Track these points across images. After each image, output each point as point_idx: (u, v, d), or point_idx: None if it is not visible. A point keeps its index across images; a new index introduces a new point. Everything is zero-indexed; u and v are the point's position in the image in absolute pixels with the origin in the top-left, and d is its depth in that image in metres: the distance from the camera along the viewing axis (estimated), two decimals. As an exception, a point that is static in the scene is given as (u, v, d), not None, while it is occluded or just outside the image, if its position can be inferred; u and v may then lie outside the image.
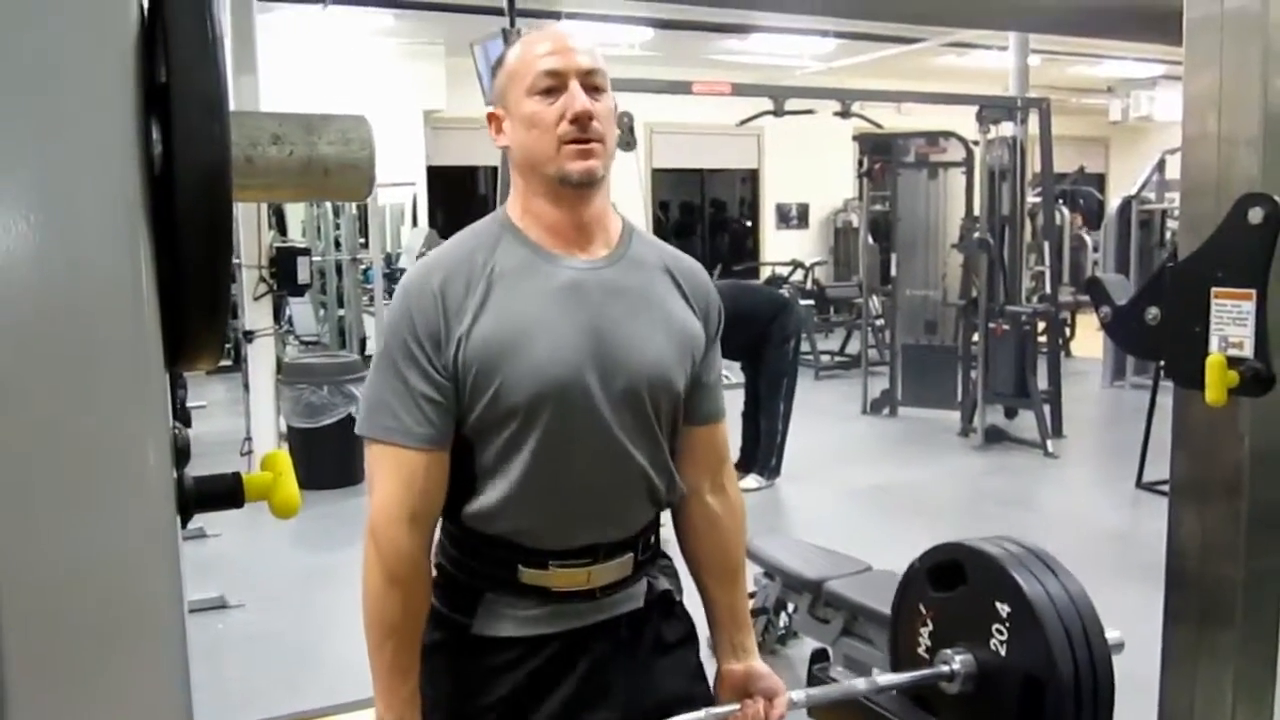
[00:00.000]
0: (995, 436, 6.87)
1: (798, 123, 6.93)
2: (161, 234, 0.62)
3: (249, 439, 5.79)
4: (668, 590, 1.53)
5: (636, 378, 1.39)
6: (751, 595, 3.25)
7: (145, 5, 0.64)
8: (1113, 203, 10.09)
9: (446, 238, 1.52)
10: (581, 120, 1.34)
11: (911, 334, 7.75)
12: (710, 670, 1.56)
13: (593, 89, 1.37)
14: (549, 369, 1.34)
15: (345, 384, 5.74)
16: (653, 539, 1.51)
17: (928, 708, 1.61)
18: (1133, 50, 10.88)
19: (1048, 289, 7.73)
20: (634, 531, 1.46)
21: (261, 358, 5.85)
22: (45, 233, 0.56)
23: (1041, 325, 7.42)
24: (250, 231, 5.69)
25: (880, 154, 8.68)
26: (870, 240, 9.05)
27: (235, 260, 5.49)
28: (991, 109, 7.15)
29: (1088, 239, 10.93)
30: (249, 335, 5.79)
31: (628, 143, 4.87)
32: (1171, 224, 8.44)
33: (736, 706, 1.46)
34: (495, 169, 7.32)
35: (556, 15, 7.86)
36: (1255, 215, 1.51)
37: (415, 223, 10.13)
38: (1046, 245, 8.16)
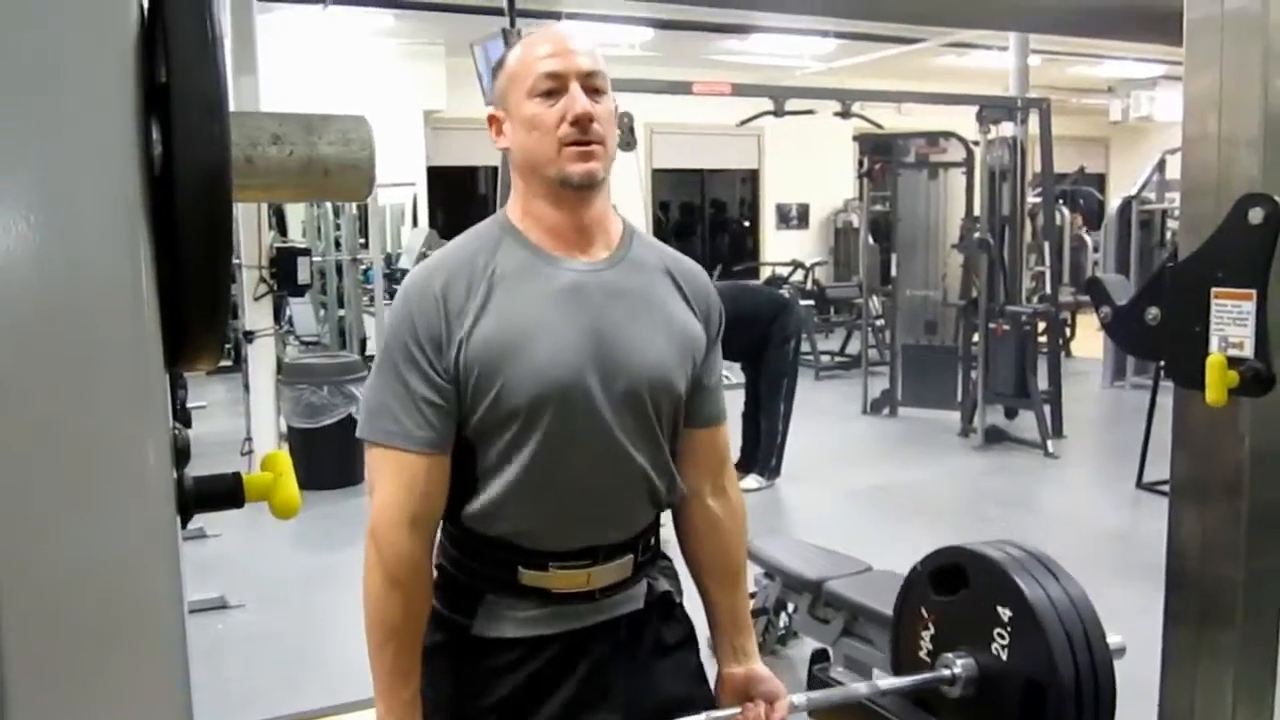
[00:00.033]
0: (995, 437, 6.87)
1: (798, 123, 6.92)
2: (161, 234, 0.62)
3: (249, 439, 5.79)
4: (668, 591, 1.53)
5: (637, 379, 1.39)
6: (752, 595, 3.25)
7: (145, 5, 0.64)
8: (1113, 203, 10.09)
9: (447, 238, 1.53)
10: (582, 122, 1.34)
11: (912, 334, 7.75)
12: (710, 672, 1.56)
13: (593, 91, 1.37)
14: (550, 371, 1.34)
15: (345, 384, 5.74)
16: (653, 540, 1.51)
17: (929, 711, 1.61)
18: (1133, 50, 10.88)
19: (1048, 289, 7.74)
20: (634, 533, 1.46)
21: (262, 358, 5.85)
22: (45, 233, 0.56)
23: (1042, 325, 7.42)
24: (250, 232, 5.69)
25: (880, 154, 8.68)
26: (870, 240, 9.06)
27: (235, 260, 5.49)
28: (992, 109, 7.15)
29: (1088, 239, 10.93)
30: (249, 335, 5.79)
31: (628, 143, 4.87)
32: (1172, 224, 8.43)
33: (737, 710, 1.46)
34: (495, 169, 7.33)
35: (556, 15, 7.85)
36: (1255, 215, 1.51)
37: (415, 223, 10.13)
38: (1047, 245, 8.16)
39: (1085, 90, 13.41)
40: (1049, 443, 6.59)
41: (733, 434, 1.67)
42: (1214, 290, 1.57)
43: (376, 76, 9.53)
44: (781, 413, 5.79)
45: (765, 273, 11.98)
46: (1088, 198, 12.66)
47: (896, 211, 8.08)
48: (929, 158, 8.09)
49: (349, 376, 5.81)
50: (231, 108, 0.64)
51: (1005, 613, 1.50)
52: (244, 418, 5.92)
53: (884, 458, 6.75)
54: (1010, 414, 7.16)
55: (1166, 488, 1.87)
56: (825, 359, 10.02)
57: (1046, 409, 6.81)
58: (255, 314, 5.79)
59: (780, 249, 13.02)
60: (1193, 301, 1.59)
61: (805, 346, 7.74)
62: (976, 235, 7.03)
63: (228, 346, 6.85)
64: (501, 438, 1.36)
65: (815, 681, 1.92)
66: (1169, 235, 8.49)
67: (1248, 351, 1.54)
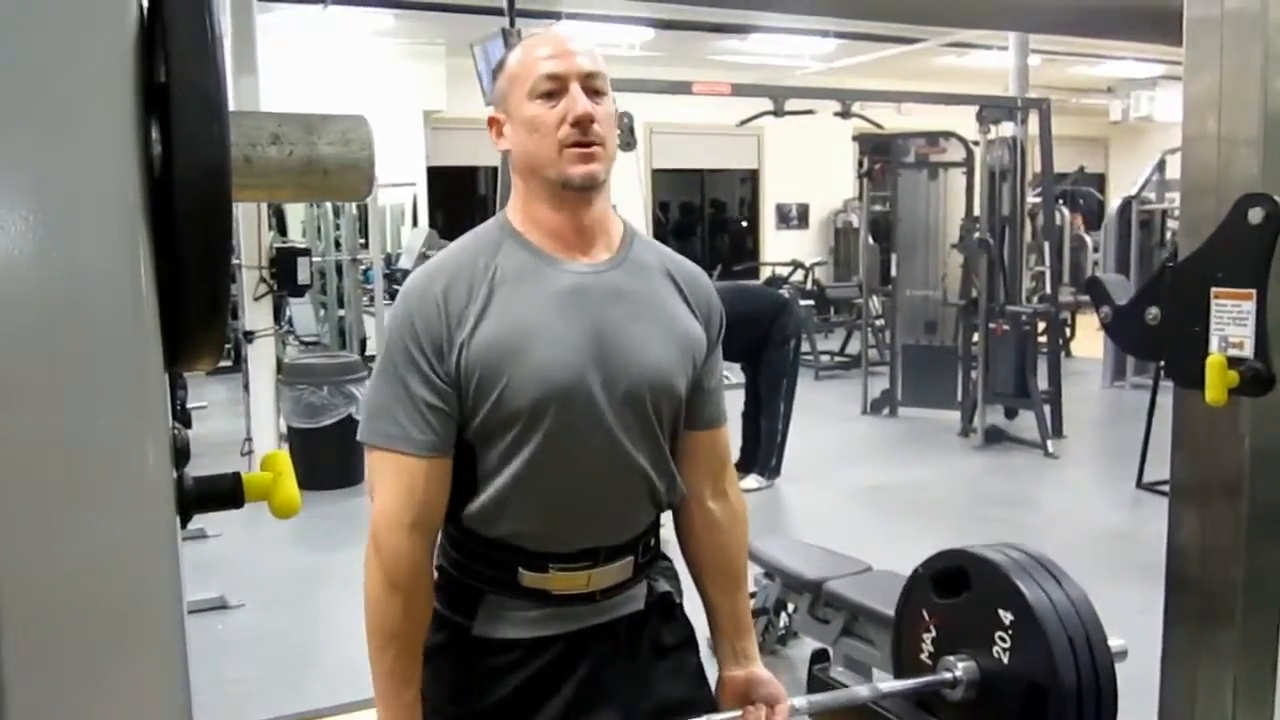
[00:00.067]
0: (995, 437, 6.87)
1: (798, 123, 6.93)
2: (161, 234, 0.62)
3: (249, 439, 5.79)
4: (668, 592, 1.53)
5: (638, 381, 1.38)
6: (751, 595, 3.25)
7: (144, 4, 0.64)
8: (1113, 203, 10.10)
9: (446, 238, 1.53)
10: (583, 123, 1.34)
11: (911, 334, 7.75)
12: (711, 674, 1.56)
13: (593, 92, 1.36)
14: (552, 372, 1.34)
15: (345, 384, 5.74)
16: (653, 541, 1.51)
17: (930, 713, 1.61)
18: (1133, 50, 10.89)
19: (1048, 289, 7.74)
20: (635, 534, 1.46)
21: (261, 358, 5.86)
22: (44, 232, 0.56)
23: (1041, 325, 7.42)
24: (250, 232, 5.70)
25: (880, 154, 8.68)
26: (870, 240, 9.06)
27: (235, 261, 5.50)
28: (991, 109, 7.15)
29: (1088, 239, 10.93)
30: (249, 336, 5.79)
31: (627, 143, 4.87)
32: (1171, 224, 8.44)
33: (738, 713, 1.46)
34: (495, 169, 7.33)
35: (556, 15, 7.86)
36: (1255, 215, 1.51)
37: (415, 223, 10.13)
38: (1046, 245, 8.16)
39: (1085, 90, 13.41)
40: (1049, 443, 6.59)
41: (733, 434, 1.67)
42: (1214, 290, 1.57)
43: (376, 76, 9.53)
44: (781, 412, 5.80)
45: (765, 273, 11.98)
46: (1087, 198, 12.66)
47: (896, 211, 8.08)
48: (929, 158, 8.09)
49: (349, 377, 5.81)
50: (231, 107, 0.64)
51: (1007, 616, 1.49)
52: (244, 418, 5.92)
53: (884, 458, 6.75)
54: (1010, 414, 7.17)
55: (1166, 488, 1.87)
56: (825, 359, 10.02)
57: (1046, 409, 6.81)
58: (255, 314, 5.80)
59: (780, 249, 13.03)
60: (1193, 301, 1.59)
61: (805, 346, 7.74)
62: (976, 235, 7.03)
63: (227, 347, 6.85)
64: (503, 440, 1.36)
65: (815, 682, 1.92)
66: (1169, 235, 8.49)
67: (1247, 351, 1.54)
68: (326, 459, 5.50)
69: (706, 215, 14.21)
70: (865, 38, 10.36)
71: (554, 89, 1.35)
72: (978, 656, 1.54)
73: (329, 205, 8.19)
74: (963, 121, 7.57)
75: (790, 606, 3.46)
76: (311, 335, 8.43)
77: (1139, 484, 5.60)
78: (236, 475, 0.73)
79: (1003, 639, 1.50)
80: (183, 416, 3.19)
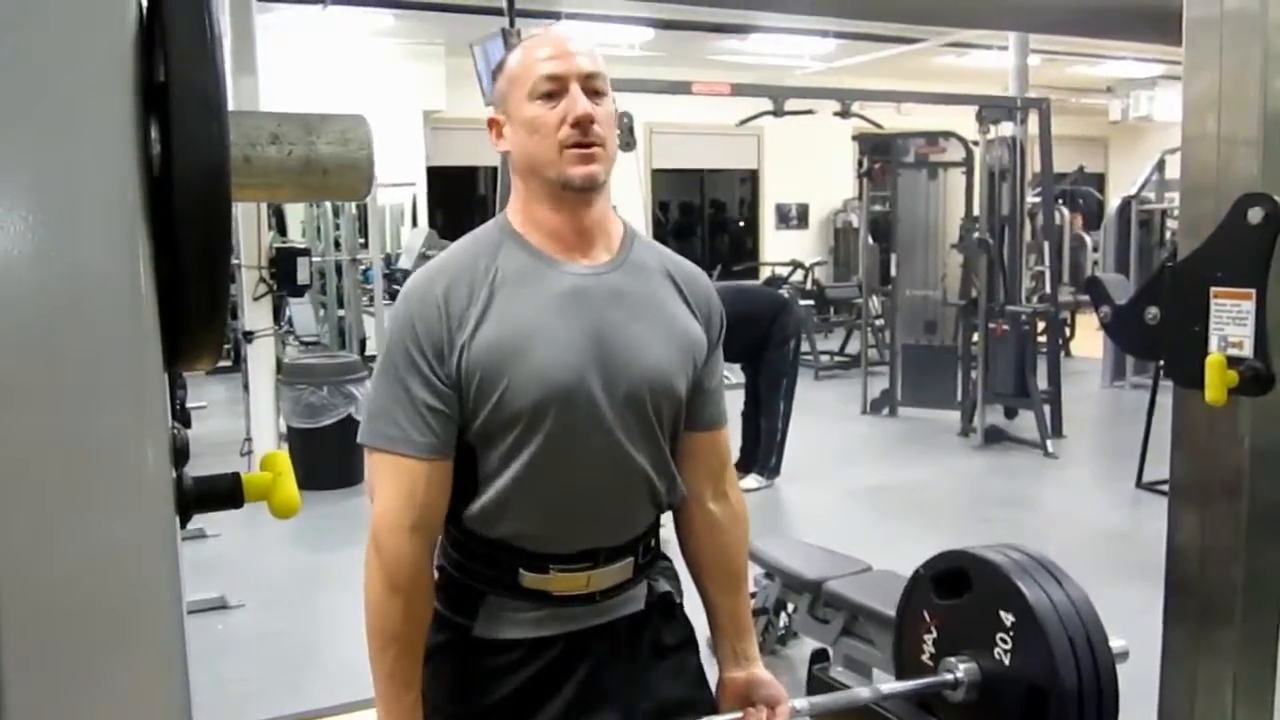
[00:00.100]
0: (995, 436, 6.87)
1: (797, 123, 6.93)
2: (160, 233, 0.62)
3: (249, 439, 5.79)
4: (668, 592, 1.53)
5: (639, 382, 1.38)
6: (751, 595, 3.25)
7: (144, 4, 0.64)
8: (1112, 203, 10.10)
9: (446, 238, 1.52)
10: (583, 124, 1.34)
11: (911, 334, 7.75)
12: (711, 674, 1.56)
13: (593, 93, 1.36)
14: (553, 373, 1.33)
15: (345, 384, 5.74)
16: (653, 542, 1.51)
17: (932, 714, 1.61)
18: (1132, 50, 10.89)
19: (1047, 289, 7.74)
20: (635, 535, 1.45)
21: (261, 358, 5.86)
22: (43, 232, 0.56)
23: (1041, 325, 7.42)
24: (250, 232, 5.70)
25: (880, 154, 8.69)
26: (870, 240, 9.06)
27: (235, 260, 5.50)
28: (991, 109, 7.15)
29: (1087, 239, 10.93)
30: (249, 336, 5.79)
31: (627, 143, 4.87)
32: (1171, 224, 8.44)
33: (739, 715, 1.46)
34: (495, 169, 7.33)
35: (556, 15, 7.86)
36: (1255, 215, 1.51)
37: (415, 223, 10.13)
38: (1046, 245, 8.16)
39: (1085, 90, 13.41)
40: (1049, 442, 6.59)
41: (733, 434, 1.66)
42: (1213, 290, 1.57)
43: (376, 76, 9.53)
44: (781, 412, 5.80)
45: (765, 273, 11.98)
46: (1087, 197, 12.66)
47: (896, 211, 8.08)
48: (928, 157, 8.10)
49: (348, 377, 5.81)
50: (231, 107, 0.64)
51: (1008, 617, 1.50)
52: (243, 418, 5.92)
53: (883, 457, 6.75)
54: (1010, 414, 7.17)
55: (1166, 487, 1.87)
56: (825, 359, 10.02)
57: (1046, 409, 6.81)
58: (255, 314, 5.80)
59: (780, 249, 13.02)
60: (1192, 301, 1.59)
61: (805, 346, 7.74)
62: (976, 235, 7.03)
63: (227, 347, 6.85)
64: (503, 441, 1.36)
65: (815, 681, 1.92)
66: (1168, 235, 8.49)
67: (1247, 351, 1.54)
68: (326, 459, 5.50)
69: (706, 215, 14.21)
70: (865, 38, 10.36)
71: (554, 90, 1.35)
72: (979, 658, 1.54)
73: (328, 205, 8.19)
74: (962, 121, 7.57)
75: (790, 606, 3.46)
76: (311, 335, 8.43)
77: (1139, 484, 5.60)
78: (236, 475, 0.73)
79: (1004, 640, 1.50)
80: (182, 416, 3.19)
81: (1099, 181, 15.03)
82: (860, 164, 9.02)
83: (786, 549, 3.49)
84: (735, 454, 5.12)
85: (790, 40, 10.59)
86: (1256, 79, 1.57)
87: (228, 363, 7.35)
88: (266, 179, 0.74)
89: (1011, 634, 1.49)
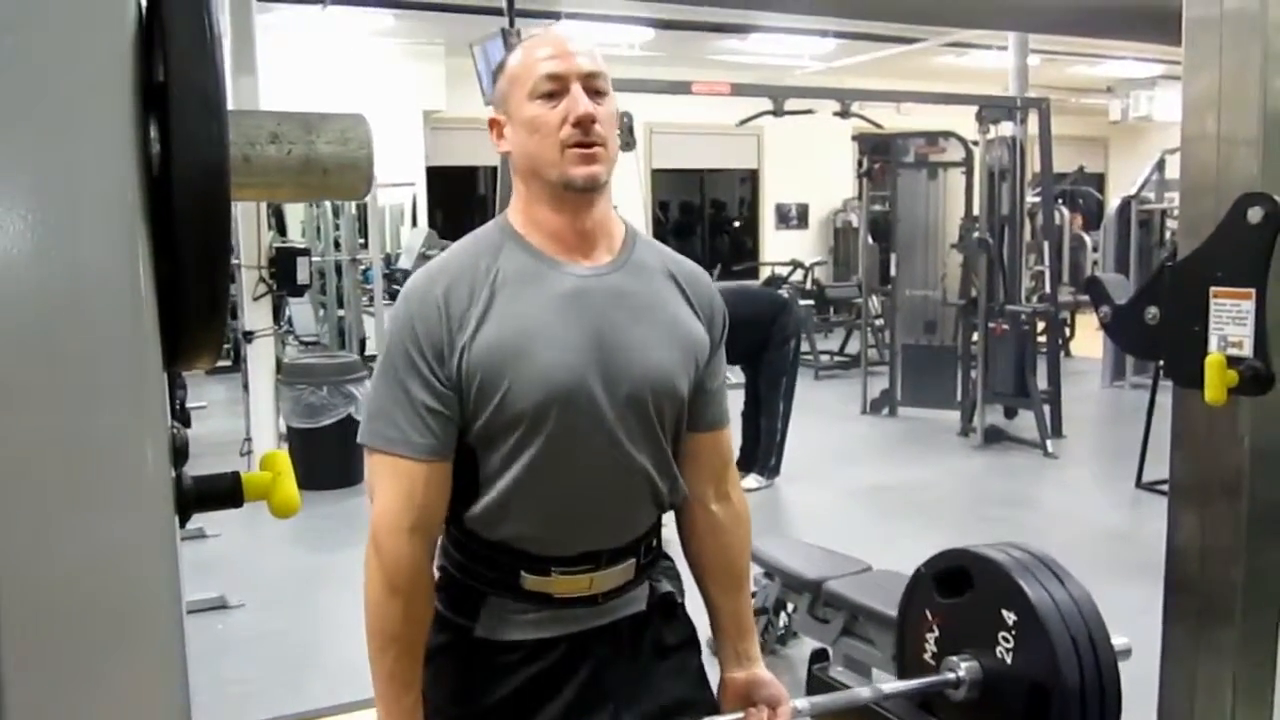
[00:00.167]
0: (995, 436, 6.87)
1: (797, 123, 6.93)
2: (160, 233, 0.62)
3: (249, 439, 5.79)
4: (669, 593, 1.53)
5: (640, 384, 1.38)
6: (751, 595, 3.25)
7: (143, 3, 0.64)
8: (1112, 202, 10.10)
9: (446, 238, 1.52)
10: (584, 123, 1.33)
11: (911, 334, 7.75)
12: (712, 675, 1.56)
13: (595, 92, 1.35)
14: (554, 375, 1.33)
15: (345, 384, 5.74)
16: (655, 543, 1.50)
17: (933, 714, 1.61)
18: (1132, 50, 10.89)
19: (1047, 289, 7.74)
20: (637, 536, 1.45)
21: (261, 358, 5.86)
22: (42, 232, 0.56)
23: (1041, 325, 7.42)
24: (250, 232, 5.70)
25: (880, 154, 8.69)
26: (870, 240, 9.06)
27: (235, 260, 5.50)
28: (991, 109, 7.15)
29: (1087, 239, 10.93)
30: (249, 336, 5.79)
31: (627, 143, 4.86)
32: (1171, 223, 8.44)
33: (740, 715, 1.45)
34: (495, 169, 7.33)
35: (556, 15, 7.86)
36: (1254, 215, 1.51)
37: (415, 223, 10.13)
38: (1046, 245, 8.16)
39: (1084, 90, 13.41)
40: (1048, 442, 6.59)
41: (733, 434, 1.66)
42: (1213, 289, 1.57)
43: (376, 76, 9.53)
44: (781, 412, 5.80)
45: (765, 272, 11.98)
46: (1087, 197, 12.66)
47: (896, 211, 8.08)
48: (928, 157, 8.10)
49: (348, 377, 5.81)
50: (230, 107, 0.64)
51: (1010, 616, 1.50)
52: (243, 418, 5.92)
53: (883, 457, 6.75)
54: (1010, 414, 7.17)
55: (1166, 487, 1.87)
56: (825, 359, 10.02)
57: (1046, 409, 6.81)
58: (254, 314, 5.80)
59: (780, 249, 13.02)
60: (1192, 301, 1.59)
61: (805, 346, 7.74)
62: (976, 235, 7.03)
63: (227, 347, 6.85)
64: (505, 443, 1.36)
65: (815, 681, 1.92)
66: (1168, 235, 8.49)
67: (1247, 351, 1.54)
68: (326, 459, 5.50)
69: (706, 215, 14.21)
70: (865, 37, 10.36)
71: (555, 89, 1.34)
72: (981, 656, 1.54)
73: (328, 205, 8.19)
74: (962, 121, 7.57)
75: (790, 606, 3.46)
76: (311, 335, 8.43)
77: (1138, 483, 5.60)
78: (236, 475, 0.73)
79: (1006, 639, 1.50)
80: (182, 416, 3.19)
81: (1099, 181, 15.03)
82: (860, 164, 9.02)
83: (786, 549, 3.49)
84: (735, 454, 5.12)
85: (790, 40, 10.59)
86: (1256, 79, 1.57)
87: (228, 363, 7.36)
88: (266, 178, 0.74)
89: (1013, 632, 1.49)
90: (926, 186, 7.87)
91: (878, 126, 7.51)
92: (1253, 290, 1.53)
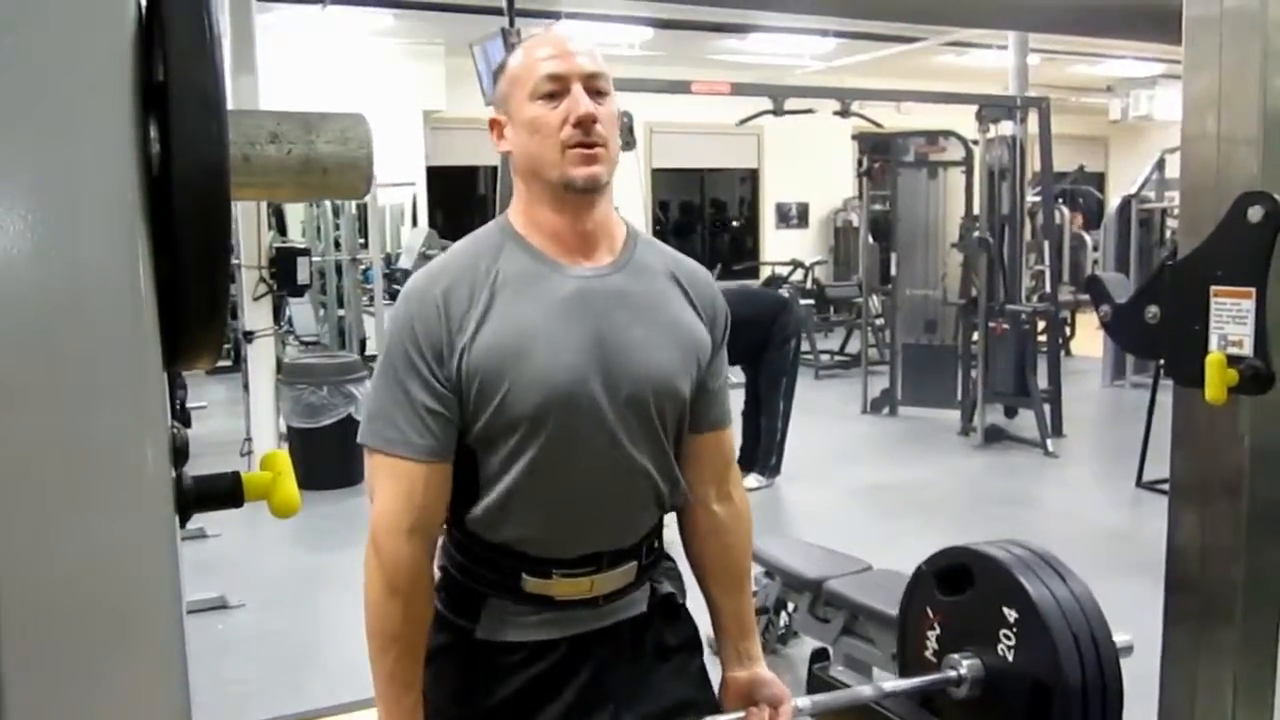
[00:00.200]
0: (995, 436, 6.87)
1: (797, 122, 6.93)
2: (160, 233, 0.62)
3: (249, 439, 5.79)
4: (670, 594, 1.52)
5: (641, 385, 1.37)
6: (752, 595, 3.25)
7: (143, 4, 0.64)
8: (1112, 202, 10.10)
9: (446, 238, 1.52)
10: (585, 124, 1.33)
11: (911, 333, 7.75)
12: (714, 675, 1.56)
13: (596, 92, 1.35)
14: (554, 377, 1.33)
15: (345, 384, 5.74)
16: (656, 544, 1.50)
17: (935, 712, 1.61)
18: (1132, 49, 10.88)
19: (1047, 288, 7.73)
20: (638, 538, 1.45)
21: (261, 358, 5.86)
22: (44, 233, 0.56)
23: (1041, 324, 7.42)
24: (250, 231, 5.70)
25: (880, 153, 8.69)
26: (870, 240, 9.05)
27: (235, 260, 5.50)
28: (991, 108, 7.15)
29: (1087, 238, 10.93)
30: (249, 336, 5.79)
31: (627, 142, 4.84)
32: (1171, 223, 8.44)
33: (741, 714, 1.45)
34: (495, 169, 7.33)
35: (556, 15, 7.86)
36: (1255, 213, 1.51)
37: (415, 223, 10.13)
38: (1046, 244, 8.15)
39: (1084, 89, 13.40)
40: (1049, 441, 6.59)
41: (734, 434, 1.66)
42: (1213, 288, 1.57)
43: (376, 76, 9.53)
44: (781, 411, 5.80)
45: (765, 272, 11.98)
46: (1087, 196, 12.66)
47: (896, 210, 8.08)
48: (928, 157, 8.10)
49: (349, 376, 5.81)
50: (230, 107, 0.64)
51: (1011, 613, 1.50)
52: (244, 418, 5.92)
53: (884, 457, 6.75)
54: (1010, 413, 7.16)
55: (1166, 486, 1.87)
56: (825, 358, 10.02)
57: (1046, 408, 6.81)
58: (255, 314, 5.80)
59: (780, 248, 13.02)
60: (1192, 300, 1.59)
61: (805, 346, 7.74)
62: (976, 234, 7.03)
63: (227, 347, 6.85)
64: (505, 445, 1.35)
65: (815, 681, 1.92)
66: (1168, 234, 8.49)
67: (1247, 350, 1.54)
68: (326, 459, 5.49)
69: (706, 215, 14.21)
70: (865, 37, 10.36)
71: (556, 90, 1.34)
72: (983, 654, 1.54)
73: (328, 205, 8.19)
74: (962, 120, 7.57)
75: (790, 605, 3.47)
76: (311, 335, 8.43)
77: (1139, 483, 5.60)
78: (236, 475, 0.73)
79: (1007, 636, 1.50)
80: (182, 416, 3.19)
81: (1099, 180, 15.02)
82: (860, 163, 9.02)
83: (787, 548, 3.49)
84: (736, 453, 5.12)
85: (790, 39, 10.59)
86: (1256, 78, 1.57)
87: (228, 363, 7.35)
88: (266, 178, 0.74)
89: (1015, 630, 1.49)
90: (927, 186, 7.87)
91: (878, 126, 7.51)
92: (1253, 289, 1.53)
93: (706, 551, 1.53)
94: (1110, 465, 6.41)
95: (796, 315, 6.13)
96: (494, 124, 1.43)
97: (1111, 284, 1.77)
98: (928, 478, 6.16)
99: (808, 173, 13.27)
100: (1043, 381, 7.01)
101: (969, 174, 7.35)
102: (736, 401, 5.61)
